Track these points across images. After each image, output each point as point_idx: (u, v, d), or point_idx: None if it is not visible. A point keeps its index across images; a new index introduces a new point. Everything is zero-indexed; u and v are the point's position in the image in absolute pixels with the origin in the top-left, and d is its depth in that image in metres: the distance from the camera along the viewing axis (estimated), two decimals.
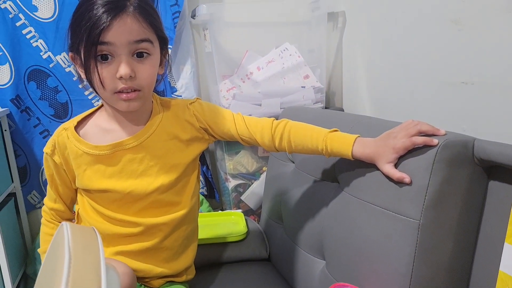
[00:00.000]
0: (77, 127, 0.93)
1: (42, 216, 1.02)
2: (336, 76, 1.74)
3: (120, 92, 0.83)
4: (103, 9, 0.78)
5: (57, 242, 0.55)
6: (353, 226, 0.91)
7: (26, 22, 1.54)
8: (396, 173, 0.80)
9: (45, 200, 1.01)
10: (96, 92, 0.86)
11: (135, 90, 0.84)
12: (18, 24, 1.54)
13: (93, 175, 0.90)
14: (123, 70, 0.80)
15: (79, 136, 0.92)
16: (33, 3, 1.53)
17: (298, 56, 1.59)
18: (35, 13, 1.54)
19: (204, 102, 1.00)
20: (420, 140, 0.78)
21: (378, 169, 0.85)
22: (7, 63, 1.55)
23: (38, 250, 1.04)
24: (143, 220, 0.92)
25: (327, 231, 1.00)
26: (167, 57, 0.93)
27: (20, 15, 1.53)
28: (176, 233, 0.97)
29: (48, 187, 0.98)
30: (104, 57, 0.81)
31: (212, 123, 0.97)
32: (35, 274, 1.56)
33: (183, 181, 0.96)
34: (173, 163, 0.94)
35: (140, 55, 0.83)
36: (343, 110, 1.68)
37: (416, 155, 0.79)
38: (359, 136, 0.88)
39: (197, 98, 1.01)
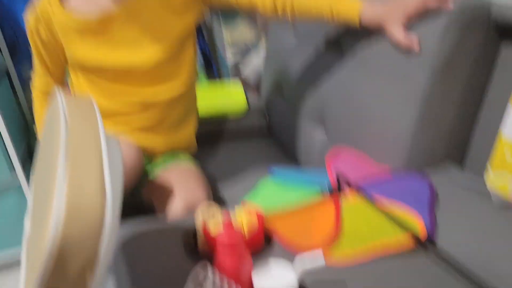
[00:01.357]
0: None
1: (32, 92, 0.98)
2: None
3: None
4: None
5: (53, 112, 0.54)
6: (356, 93, 0.90)
7: None
8: (404, 38, 0.75)
9: (34, 76, 0.96)
10: None
11: None
12: None
13: (84, 47, 0.86)
14: None
15: (63, 7, 0.85)
16: None
17: None
18: None
19: None
20: (434, 2, 0.72)
21: (384, 37, 0.81)
22: None
23: (34, 127, 1.03)
24: (143, 95, 0.90)
25: (329, 99, 0.99)
26: None
27: None
28: (177, 107, 0.96)
29: (35, 63, 0.94)
30: None
31: None
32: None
33: (179, 51, 0.92)
34: (166, 31, 0.89)
35: None
36: None
37: (427, 19, 0.74)
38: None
39: None
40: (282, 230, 0.68)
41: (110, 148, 0.46)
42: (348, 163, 0.86)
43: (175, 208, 0.84)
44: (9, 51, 1.58)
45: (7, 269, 1.48)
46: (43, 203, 0.45)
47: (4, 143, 1.33)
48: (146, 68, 0.88)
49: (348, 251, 0.62)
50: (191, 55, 0.95)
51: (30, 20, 0.87)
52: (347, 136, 0.92)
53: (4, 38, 1.56)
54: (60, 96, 0.54)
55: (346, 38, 0.94)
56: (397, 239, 0.63)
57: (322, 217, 0.70)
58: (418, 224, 0.65)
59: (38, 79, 0.95)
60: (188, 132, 1.04)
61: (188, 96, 0.99)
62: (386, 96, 0.82)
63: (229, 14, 1.51)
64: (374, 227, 0.67)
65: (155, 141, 0.96)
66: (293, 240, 0.65)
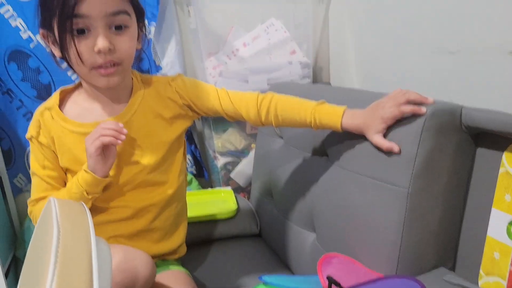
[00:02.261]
0: (59, 106, 0.91)
1: (29, 212, 0.94)
2: (323, 50, 1.73)
3: (99, 67, 0.80)
4: None
5: (44, 218, 0.55)
6: (343, 197, 0.92)
7: (3, 0, 1.49)
8: (385, 143, 0.80)
9: (33, 194, 0.92)
10: (72, 69, 0.83)
11: (114, 65, 0.81)
12: None
13: (78, 154, 0.88)
14: (101, 43, 0.77)
15: (63, 114, 0.89)
16: None
17: (284, 31, 1.58)
18: None
19: (186, 78, 0.97)
20: (408, 108, 0.78)
21: (367, 140, 0.85)
22: None
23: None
24: (132, 203, 0.91)
25: (317, 204, 1.01)
26: (144, 31, 0.89)
27: None
28: (166, 213, 0.97)
29: (35, 180, 0.92)
30: (80, 31, 0.77)
31: (196, 99, 0.95)
32: (24, 256, 1.55)
33: (169, 159, 0.95)
34: (157, 141, 0.92)
35: (118, 27, 0.80)
36: (330, 85, 1.67)
37: (405, 124, 0.80)
38: (347, 108, 0.88)
39: (179, 74, 0.98)
40: None
41: (101, 255, 0.47)
42: (340, 269, 0.85)
43: None
44: (4, 158, 1.62)
45: None
46: None
47: None
48: (135, 174, 0.90)
49: None
50: (180, 160, 0.98)
51: (31, 128, 0.90)
52: (338, 241, 0.93)
53: (0, 144, 1.61)
54: (53, 200, 0.56)
55: (331, 142, 0.99)
56: None
57: None
58: None
59: (40, 194, 0.91)
60: (178, 238, 1.02)
61: (178, 201, 1.00)
62: (372, 202, 0.84)
63: (220, 121, 1.59)
64: None
65: (145, 248, 0.95)
66: None
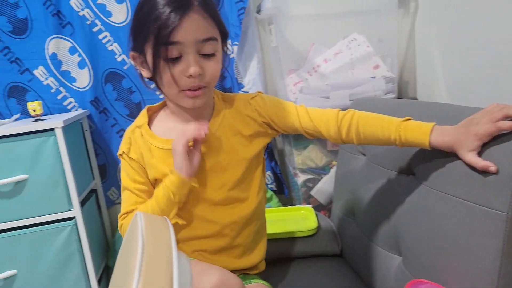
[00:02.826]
0: (148, 124, 0.96)
1: (119, 226, 0.97)
2: (409, 64, 1.66)
3: (187, 90, 0.84)
4: (170, 8, 0.77)
5: (131, 231, 0.57)
6: (432, 220, 0.85)
7: (102, 27, 1.63)
8: (479, 162, 0.73)
9: (123, 208, 0.95)
10: (160, 90, 0.88)
11: (200, 88, 0.84)
12: (95, 30, 1.63)
13: (164, 168, 0.91)
14: (193, 69, 0.81)
15: (152, 132, 0.94)
16: (107, 9, 1.62)
17: (367, 46, 1.54)
18: (109, 19, 1.62)
19: (266, 95, 0.98)
20: (507, 125, 0.71)
21: (458, 158, 0.79)
22: (86, 67, 1.65)
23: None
24: (214, 220, 0.93)
25: (404, 226, 0.95)
26: (226, 51, 0.92)
27: (97, 21, 1.62)
28: (247, 230, 0.97)
29: (126, 195, 0.95)
30: (172, 57, 0.81)
31: (275, 117, 0.95)
32: None
33: (249, 176, 0.96)
34: (238, 158, 0.93)
35: (207, 54, 0.83)
36: (417, 100, 1.59)
37: (503, 142, 0.73)
38: (435, 124, 0.83)
39: (258, 92, 0.98)
40: None
41: (182, 270, 0.48)
42: None
43: None
44: (99, 172, 1.75)
45: None
46: None
47: (85, 263, 1.40)
48: (217, 190, 0.92)
49: None
50: (259, 177, 0.99)
51: (123, 145, 0.96)
52: (426, 267, 0.86)
53: (97, 160, 1.74)
54: (139, 215, 0.58)
55: (418, 160, 0.93)
56: None
57: None
58: None
59: (131, 207, 0.94)
60: (258, 254, 1.03)
61: (258, 218, 1.00)
62: (465, 226, 0.77)
63: (300, 138, 1.58)
64: None
65: (227, 263, 0.96)
66: None
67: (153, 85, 0.91)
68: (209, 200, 0.92)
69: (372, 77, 1.51)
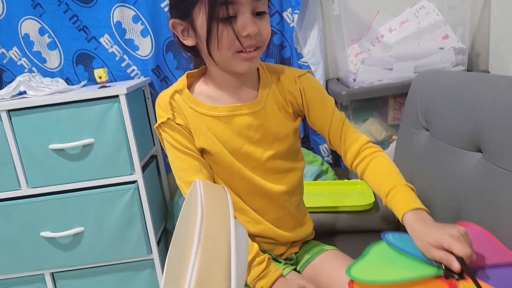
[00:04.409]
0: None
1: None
2: (482, 34, 1.55)
3: (242, 51, 0.82)
4: None
5: (190, 198, 0.58)
6: (499, 201, 0.81)
7: None
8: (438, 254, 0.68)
9: (190, 175, 0.89)
10: (210, 55, 0.84)
11: (256, 49, 0.83)
12: None
13: (214, 135, 0.90)
14: (251, 28, 0.79)
15: (193, 97, 0.91)
16: None
17: (437, 14, 1.45)
18: None
19: (313, 78, 0.96)
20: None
21: None
22: (148, 35, 1.68)
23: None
24: (265, 188, 0.93)
25: (467, 205, 0.91)
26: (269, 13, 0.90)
27: None
28: (296, 198, 0.99)
29: (183, 159, 0.90)
30: (228, 17, 0.79)
31: (311, 105, 0.93)
32: (173, 228, 1.72)
33: (295, 147, 0.97)
34: (286, 132, 0.93)
35: (260, 13, 0.82)
36: (489, 73, 1.49)
37: None
38: (425, 210, 0.80)
39: (308, 71, 0.96)
40: None
41: (239, 236, 0.49)
42: (473, 240, 0.74)
43: None
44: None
45: None
46: (174, 284, 0.48)
47: (146, 224, 1.47)
48: (265, 160, 0.92)
49: None
50: (299, 147, 1.00)
51: (164, 112, 0.90)
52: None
53: None
54: (198, 182, 0.59)
55: (487, 136, 0.88)
56: None
57: None
58: None
59: (191, 177, 0.90)
60: (309, 225, 1.05)
61: (302, 187, 1.03)
62: None
63: (360, 110, 1.54)
64: None
65: (284, 236, 0.98)
66: None
67: (188, 54, 0.92)
68: (259, 168, 0.92)
69: (441, 48, 1.42)
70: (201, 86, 0.93)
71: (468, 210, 0.90)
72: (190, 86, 0.93)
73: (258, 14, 0.82)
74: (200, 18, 0.81)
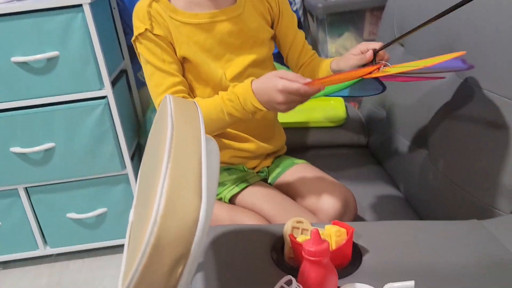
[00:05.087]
0: None
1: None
2: None
3: None
4: None
5: (161, 113, 0.57)
6: (465, 116, 0.83)
7: None
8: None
9: (164, 91, 0.87)
10: None
11: None
12: None
13: (193, 46, 0.88)
14: None
15: (172, 5, 0.87)
16: None
17: None
18: None
19: None
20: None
21: (506, 45, 0.74)
22: None
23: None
24: None
25: (435, 120, 0.93)
26: None
27: None
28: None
29: (158, 75, 0.87)
30: None
31: (283, 16, 0.97)
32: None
33: (269, 54, 0.98)
34: (263, 38, 0.94)
35: None
36: None
37: None
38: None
39: None
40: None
41: (210, 150, 0.49)
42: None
43: (333, 204, 0.90)
44: (129, 52, 1.73)
45: (114, 253, 1.63)
46: (146, 197, 0.48)
47: (118, 140, 1.46)
48: (247, 69, 0.92)
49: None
50: (272, 56, 1.01)
51: (142, 22, 0.86)
52: (452, 163, 0.86)
53: (126, 39, 1.71)
54: (169, 97, 0.58)
55: (459, 49, 0.88)
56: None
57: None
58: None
59: (167, 88, 0.88)
60: (281, 134, 1.09)
61: None
62: (500, 123, 0.74)
63: (336, 24, 1.50)
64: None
65: (259, 147, 1.00)
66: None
67: None
68: (238, 75, 0.91)
69: None
70: None
71: (436, 123, 0.92)
72: None
73: None
74: None
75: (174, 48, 0.88)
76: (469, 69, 0.80)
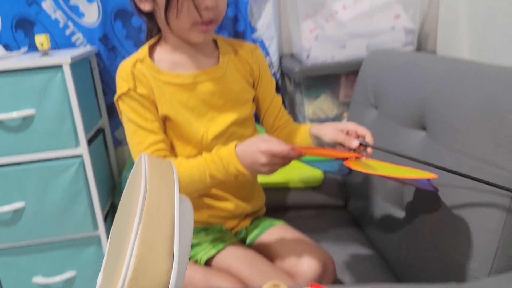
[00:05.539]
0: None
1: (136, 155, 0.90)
2: (431, 15, 1.58)
3: (200, 23, 0.83)
4: None
5: (135, 172, 0.56)
6: (440, 178, 0.84)
7: None
8: None
9: (144, 150, 0.87)
10: (167, 22, 0.84)
11: (211, 22, 0.85)
12: None
13: (176, 105, 0.89)
14: (210, 1, 0.81)
15: (156, 66, 0.90)
16: None
17: None
18: None
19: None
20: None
21: (473, 117, 0.77)
22: (95, 1, 1.59)
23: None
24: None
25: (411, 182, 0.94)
26: None
27: None
28: None
29: (140, 133, 0.87)
30: None
31: (262, 78, 1.00)
32: None
33: (251, 114, 1.00)
34: (245, 98, 0.96)
35: None
36: (436, 53, 1.54)
37: None
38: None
39: (258, 46, 1.01)
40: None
41: (183, 211, 0.47)
42: None
43: (312, 267, 0.87)
44: (107, 111, 1.74)
45: None
46: (116, 259, 0.46)
47: (92, 199, 1.42)
48: (229, 128, 0.92)
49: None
50: (253, 117, 1.02)
51: (125, 82, 0.87)
52: (429, 224, 0.86)
53: (105, 99, 1.72)
54: (143, 156, 0.57)
55: (431, 115, 0.91)
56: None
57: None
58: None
59: (148, 147, 0.88)
60: (261, 195, 1.07)
61: None
62: (473, 184, 0.76)
63: (312, 87, 1.55)
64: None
65: (238, 208, 0.98)
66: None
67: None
68: (220, 135, 0.92)
69: (392, 28, 1.44)
70: (160, 54, 0.92)
71: (412, 186, 0.93)
72: (150, 55, 0.91)
73: None
74: None
75: (156, 107, 0.89)
76: (434, 192, 0.82)
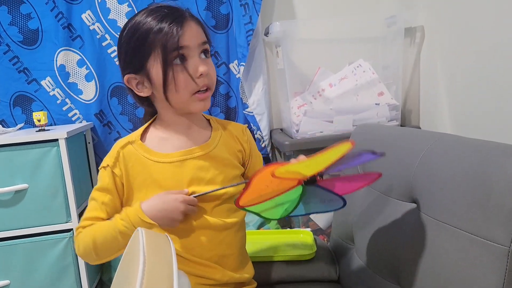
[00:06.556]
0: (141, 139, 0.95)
1: (77, 234, 0.93)
2: (413, 92, 1.67)
3: (197, 92, 0.88)
4: (169, 21, 0.84)
5: (132, 246, 0.57)
6: (433, 251, 0.85)
7: (111, 42, 1.65)
8: None
9: (86, 214, 0.93)
10: (167, 100, 0.88)
11: (207, 89, 0.90)
12: (104, 44, 1.65)
13: (164, 182, 0.91)
14: (203, 67, 0.86)
15: (145, 145, 0.93)
16: (118, 25, 1.64)
17: (372, 73, 1.55)
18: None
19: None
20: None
21: (464, 189, 0.79)
22: (93, 80, 1.66)
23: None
24: (212, 222, 0.94)
25: (403, 255, 0.94)
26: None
27: (106, 36, 1.64)
28: (238, 239, 1.00)
29: (92, 205, 0.93)
30: (182, 59, 0.86)
31: (252, 156, 1.03)
32: (110, 281, 1.63)
33: (240, 188, 0.98)
34: (233, 174, 0.97)
35: (206, 54, 0.90)
36: (420, 128, 1.60)
37: (507, 174, 0.73)
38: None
39: (247, 127, 1.06)
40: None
41: (181, 285, 0.47)
42: None
43: None
44: None
45: None
46: None
47: (79, 276, 1.38)
48: (215, 199, 0.94)
49: None
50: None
51: (108, 159, 0.93)
52: None
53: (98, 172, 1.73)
54: (141, 231, 0.58)
55: (421, 188, 0.93)
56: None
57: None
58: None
59: (93, 213, 0.93)
60: (249, 267, 1.05)
61: (243, 229, 1.04)
62: (466, 258, 0.76)
63: None
64: None
65: (226, 274, 0.97)
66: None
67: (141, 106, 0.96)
68: (208, 207, 0.93)
69: (376, 104, 1.52)
70: (152, 133, 0.96)
71: (405, 257, 0.93)
72: (143, 135, 0.96)
73: (205, 55, 0.90)
74: (155, 68, 0.86)
75: (123, 190, 0.93)
76: (381, 156, 0.77)
